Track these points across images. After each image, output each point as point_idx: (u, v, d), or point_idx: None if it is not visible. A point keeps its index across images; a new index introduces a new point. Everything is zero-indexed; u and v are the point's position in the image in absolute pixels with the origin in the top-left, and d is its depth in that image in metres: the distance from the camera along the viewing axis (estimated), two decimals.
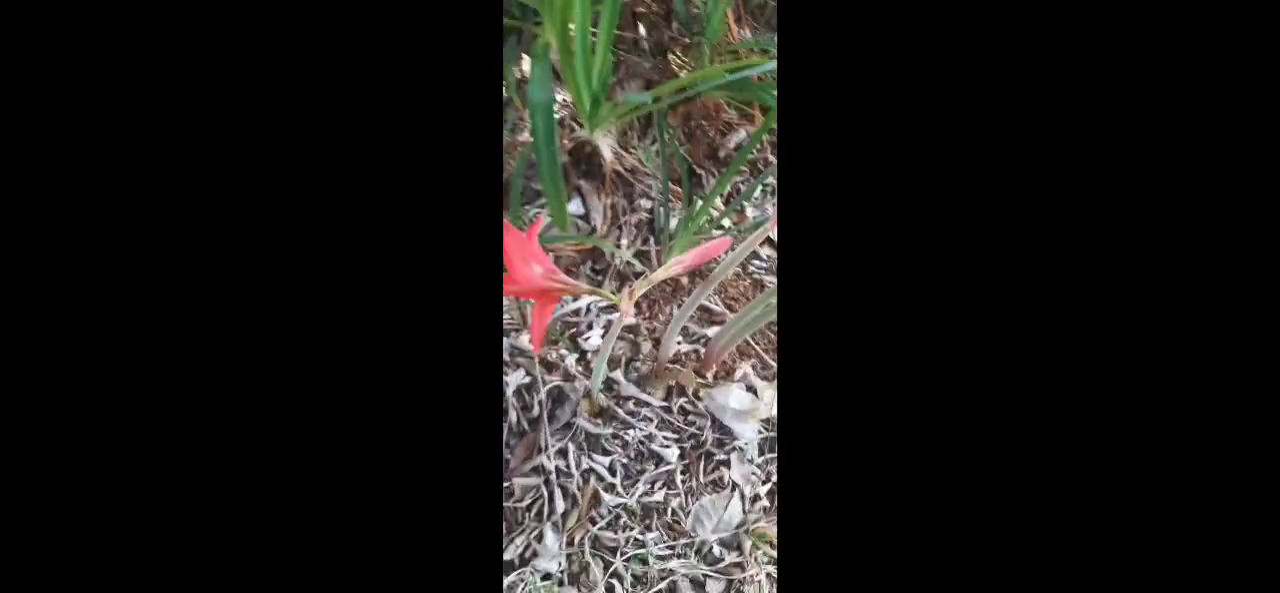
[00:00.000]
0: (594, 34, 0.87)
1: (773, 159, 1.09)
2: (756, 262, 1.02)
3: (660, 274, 0.71)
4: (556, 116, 1.07)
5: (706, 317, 0.96)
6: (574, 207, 1.02)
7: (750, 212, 1.06)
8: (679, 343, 0.93)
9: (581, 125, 1.00)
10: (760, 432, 0.87)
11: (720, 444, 0.86)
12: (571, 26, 0.84)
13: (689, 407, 0.88)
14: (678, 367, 0.88)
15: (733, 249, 0.81)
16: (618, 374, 0.89)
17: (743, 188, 1.07)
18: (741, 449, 0.85)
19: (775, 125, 1.08)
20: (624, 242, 0.99)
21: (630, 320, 0.94)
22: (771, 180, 1.09)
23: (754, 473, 0.85)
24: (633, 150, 1.06)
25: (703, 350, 0.89)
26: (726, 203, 1.07)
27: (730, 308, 0.96)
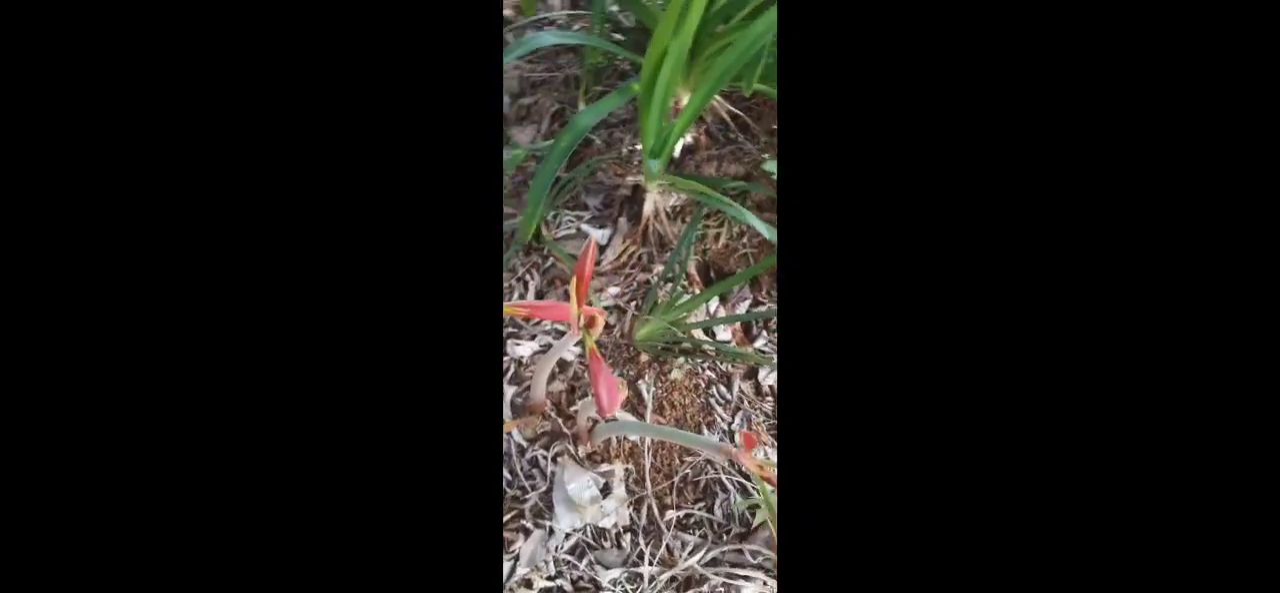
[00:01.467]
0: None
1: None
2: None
3: (509, 309, 0.68)
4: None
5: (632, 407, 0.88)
6: (602, 235, 1.00)
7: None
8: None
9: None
10: (579, 530, 0.77)
11: (538, 515, 0.79)
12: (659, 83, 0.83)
13: (543, 462, 0.82)
14: (544, 416, 0.83)
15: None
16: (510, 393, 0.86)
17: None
18: (549, 533, 0.77)
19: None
20: (613, 289, 0.95)
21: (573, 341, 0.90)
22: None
23: (543, 563, 0.76)
24: (674, 221, 1.00)
25: (587, 420, 0.82)
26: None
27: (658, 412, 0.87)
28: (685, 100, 0.96)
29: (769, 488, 0.54)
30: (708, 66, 0.90)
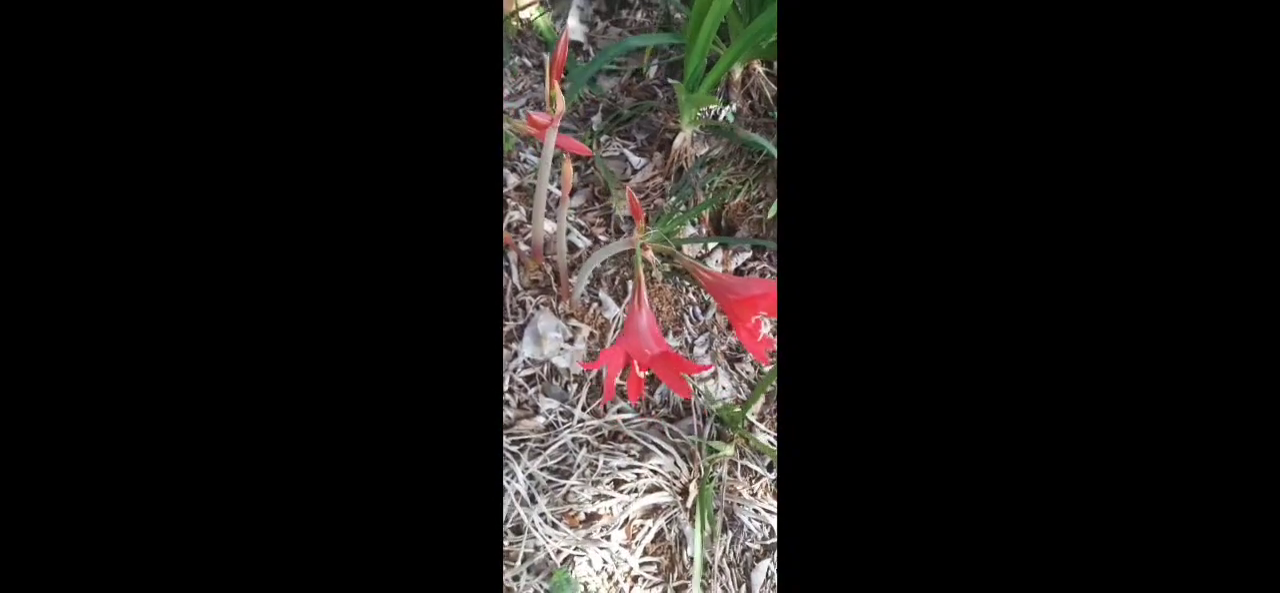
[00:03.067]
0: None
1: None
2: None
3: (519, 126, 0.82)
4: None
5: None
6: (637, 160, 1.14)
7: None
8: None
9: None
10: (531, 365, 0.90)
11: (509, 341, 0.92)
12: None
13: (529, 306, 0.95)
14: (539, 267, 0.96)
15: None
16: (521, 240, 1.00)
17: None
18: (513, 356, 0.90)
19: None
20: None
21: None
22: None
23: (504, 384, 0.89)
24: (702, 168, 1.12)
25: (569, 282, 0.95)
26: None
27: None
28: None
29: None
30: (750, 24, 1.03)
